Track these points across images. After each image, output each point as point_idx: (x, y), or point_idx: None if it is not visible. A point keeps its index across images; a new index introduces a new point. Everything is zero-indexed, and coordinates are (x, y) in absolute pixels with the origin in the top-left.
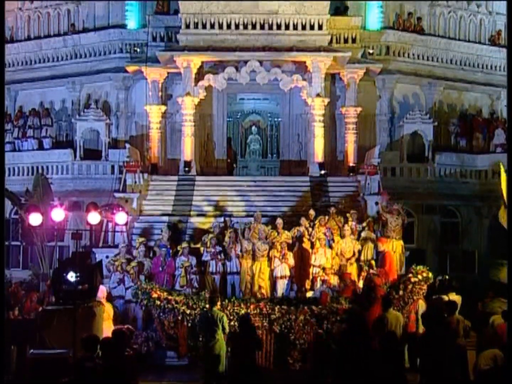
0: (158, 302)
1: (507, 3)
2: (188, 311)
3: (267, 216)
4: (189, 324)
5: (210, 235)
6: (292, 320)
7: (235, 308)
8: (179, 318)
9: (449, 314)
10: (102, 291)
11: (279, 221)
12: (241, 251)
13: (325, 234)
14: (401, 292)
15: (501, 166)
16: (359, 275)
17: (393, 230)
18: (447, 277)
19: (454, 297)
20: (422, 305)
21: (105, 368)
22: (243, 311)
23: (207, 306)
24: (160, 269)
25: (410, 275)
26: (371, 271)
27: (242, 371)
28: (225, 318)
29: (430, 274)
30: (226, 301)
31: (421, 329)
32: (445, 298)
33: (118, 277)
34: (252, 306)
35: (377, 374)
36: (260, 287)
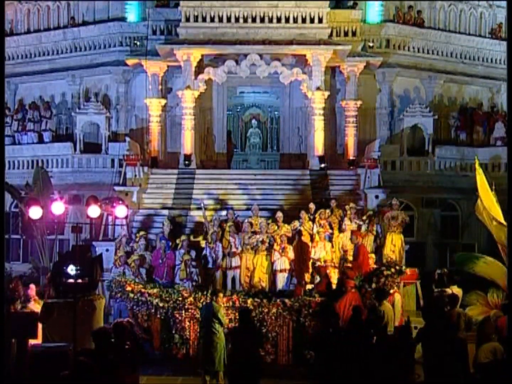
0: (131, 295)
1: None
2: (161, 304)
3: (267, 209)
4: (162, 317)
5: (211, 230)
6: (264, 313)
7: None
8: (152, 311)
9: (451, 308)
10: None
11: (279, 214)
12: (241, 244)
13: (322, 226)
14: (373, 285)
15: (476, 161)
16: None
17: (393, 224)
18: (445, 270)
19: (456, 290)
20: (398, 298)
21: (104, 362)
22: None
23: (208, 299)
24: (160, 261)
25: (383, 268)
26: (345, 264)
27: (242, 365)
28: (222, 311)
29: (404, 268)
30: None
31: (397, 322)
32: (448, 291)
33: (118, 270)
34: (225, 299)
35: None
36: (260, 280)
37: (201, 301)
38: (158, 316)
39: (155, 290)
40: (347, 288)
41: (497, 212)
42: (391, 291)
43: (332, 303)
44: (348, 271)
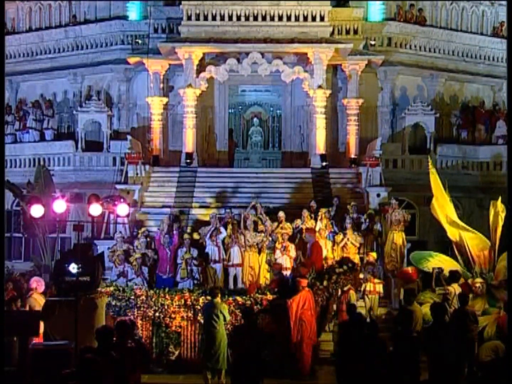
0: None
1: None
2: (113, 302)
3: (268, 208)
4: (115, 315)
5: (212, 227)
6: None
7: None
8: (105, 309)
9: (461, 306)
10: (37, 282)
11: (281, 214)
12: (244, 243)
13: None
14: (325, 283)
15: (430, 161)
16: (360, 266)
17: (395, 222)
18: (442, 268)
19: (457, 288)
20: (353, 296)
21: (107, 360)
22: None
23: (209, 297)
24: (164, 257)
25: (336, 265)
26: (298, 261)
27: (245, 364)
28: (225, 308)
29: (358, 263)
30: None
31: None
32: (451, 289)
33: (118, 269)
34: (176, 297)
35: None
36: (265, 279)
37: (153, 299)
38: (111, 314)
39: (111, 288)
40: (300, 286)
41: (451, 210)
42: (345, 288)
43: (284, 301)
44: (301, 269)
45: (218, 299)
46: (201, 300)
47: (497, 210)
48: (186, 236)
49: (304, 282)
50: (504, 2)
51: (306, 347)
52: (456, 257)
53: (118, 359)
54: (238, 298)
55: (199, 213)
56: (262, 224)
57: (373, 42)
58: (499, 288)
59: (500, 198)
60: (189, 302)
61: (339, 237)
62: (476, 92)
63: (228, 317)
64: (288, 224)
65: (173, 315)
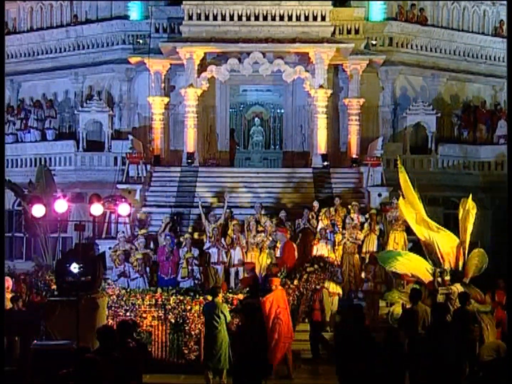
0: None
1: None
2: None
3: (270, 207)
4: None
5: (213, 225)
6: (187, 310)
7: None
8: None
9: (462, 305)
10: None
11: (283, 213)
12: (246, 243)
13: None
14: (296, 282)
15: (399, 160)
16: (361, 266)
17: (396, 222)
18: (445, 268)
19: (459, 288)
20: (326, 294)
21: (108, 360)
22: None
23: (209, 297)
24: (165, 258)
25: (307, 264)
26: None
27: (248, 363)
28: (226, 308)
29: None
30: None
31: (328, 318)
32: (454, 289)
33: (119, 269)
34: (147, 297)
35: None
36: None
37: (124, 299)
38: None
39: None
40: (273, 285)
41: (421, 209)
42: (317, 287)
43: (255, 300)
44: (272, 268)
45: (219, 299)
46: (172, 300)
47: (467, 208)
48: (187, 235)
49: (277, 281)
50: (505, 2)
51: (282, 346)
52: (425, 256)
53: (119, 359)
54: (209, 297)
55: (200, 213)
56: (261, 225)
57: (374, 42)
58: (469, 286)
59: (470, 196)
60: (160, 301)
61: (339, 236)
62: (477, 92)
63: (229, 317)
64: (290, 223)
65: (144, 315)
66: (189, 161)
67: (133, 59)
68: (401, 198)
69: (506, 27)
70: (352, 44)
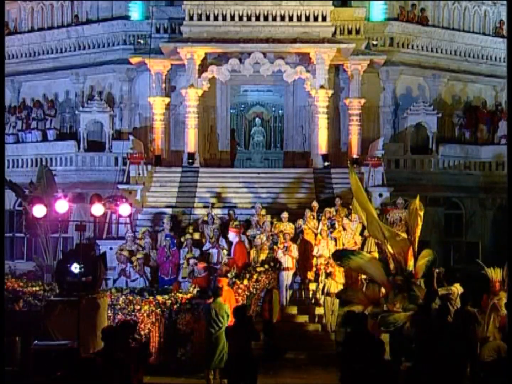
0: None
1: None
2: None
3: (270, 208)
4: None
5: (214, 226)
6: (136, 310)
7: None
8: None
9: (462, 306)
10: None
11: (285, 214)
12: (249, 244)
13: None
14: (246, 282)
15: (349, 164)
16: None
17: (400, 223)
18: (442, 269)
19: (458, 288)
20: (276, 295)
21: (108, 360)
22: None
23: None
24: (165, 259)
25: (257, 264)
26: (223, 260)
27: (237, 362)
28: (228, 308)
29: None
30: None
31: (275, 319)
32: (454, 289)
33: (120, 268)
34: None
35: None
36: None
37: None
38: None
39: (36, 288)
40: (220, 285)
41: (371, 210)
42: (268, 287)
43: (203, 300)
44: (223, 267)
45: (221, 299)
46: (121, 300)
47: (415, 208)
48: (187, 236)
49: (224, 281)
50: (506, 2)
51: None
52: (379, 255)
53: (122, 359)
54: (159, 297)
55: (201, 213)
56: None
57: (375, 42)
58: (419, 286)
59: (418, 196)
60: (109, 301)
61: (339, 233)
62: (478, 92)
63: (230, 318)
64: (291, 224)
65: None
66: (190, 161)
67: (134, 59)
68: (354, 198)
69: (506, 27)
70: (353, 44)
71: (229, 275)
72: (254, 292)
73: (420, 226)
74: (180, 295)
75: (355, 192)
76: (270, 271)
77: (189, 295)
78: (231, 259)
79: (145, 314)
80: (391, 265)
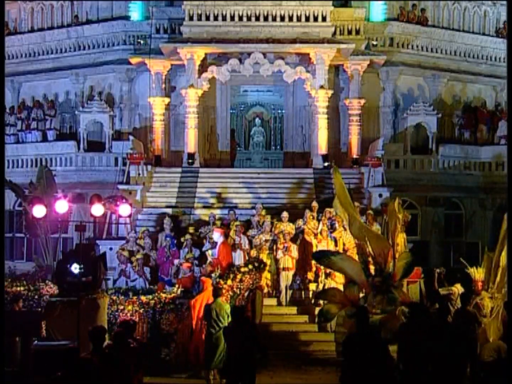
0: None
1: (507, 2)
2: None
3: (270, 208)
4: None
5: (212, 226)
6: (120, 310)
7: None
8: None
9: (463, 306)
10: None
11: (285, 214)
12: (249, 243)
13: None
14: (229, 282)
15: (333, 165)
16: None
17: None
18: (443, 269)
19: (459, 288)
20: (259, 295)
21: (106, 360)
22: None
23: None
24: (165, 259)
25: (241, 264)
26: (208, 260)
27: (236, 362)
28: (228, 308)
29: (270, 263)
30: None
31: (258, 319)
32: (454, 289)
33: (120, 268)
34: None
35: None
36: (266, 279)
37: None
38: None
39: (21, 288)
40: (204, 286)
41: (353, 211)
42: (251, 287)
43: (187, 300)
44: (207, 268)
45: (222, 299)
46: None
47: (394, 210)
48: (187, 236)
49: (208, 281)
50: (506, 2)
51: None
52: (359, 255)
53: (122, 359)
54: (142, 297)
55: (201, 213)
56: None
57: (375, 42)
58: (398, 287)
59: (397, 199)
60: None
61: (339, 233)
62: (478, 92)
63: (230, 318)
64: (291, 224)
65: None
66: (190, 161)
67: (134, 60)
68: (336, 198)
69: (506, 28)
70: (353, 44)
71: (213, 275)
72: (238, 292)
73: (399, 228)
74: (164, 295)
75: (338, 192)
76: (254, 271)
77: (172, 295)
78: (215, 259)
79: (128, 314)
80: (371, 267)
